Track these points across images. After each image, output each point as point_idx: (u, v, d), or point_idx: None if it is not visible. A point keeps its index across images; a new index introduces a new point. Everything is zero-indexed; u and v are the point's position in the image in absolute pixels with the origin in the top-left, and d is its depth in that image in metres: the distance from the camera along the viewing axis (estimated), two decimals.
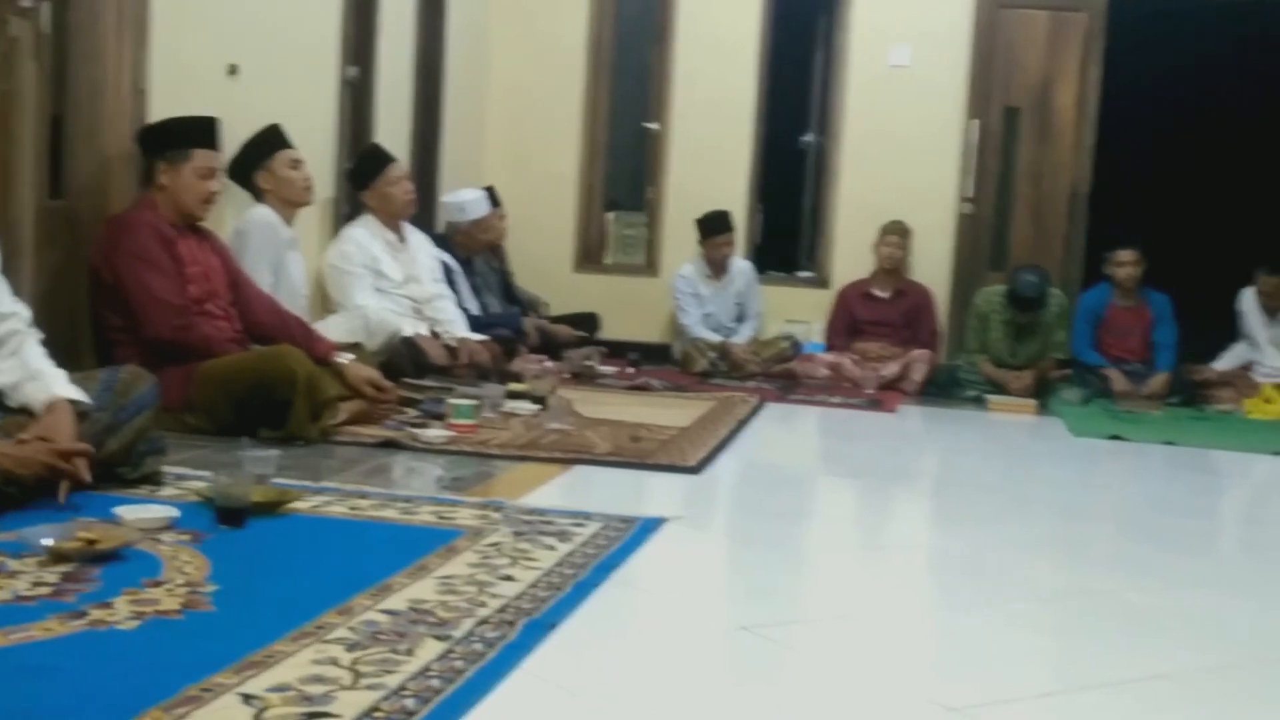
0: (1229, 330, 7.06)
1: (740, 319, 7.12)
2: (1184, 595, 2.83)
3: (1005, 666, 2.23)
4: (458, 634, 2.06)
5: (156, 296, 3.83)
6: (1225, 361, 6.98)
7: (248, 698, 1.72)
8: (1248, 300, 6.95)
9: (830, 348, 7.03)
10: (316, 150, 5.10)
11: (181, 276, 3.92)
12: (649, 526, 2.97)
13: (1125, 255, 6.82)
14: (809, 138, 8.13)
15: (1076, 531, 3.56)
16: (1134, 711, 2.02)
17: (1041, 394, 6.49)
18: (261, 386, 3.79)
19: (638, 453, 4.04)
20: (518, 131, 7.63)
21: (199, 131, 4.02)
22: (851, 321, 7.09)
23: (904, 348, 6.83)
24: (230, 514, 2.69)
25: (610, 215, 7.83)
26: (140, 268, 3.82)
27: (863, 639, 2.36)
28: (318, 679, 1.81)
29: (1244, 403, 6.49)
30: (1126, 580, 2.94)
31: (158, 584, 2.24)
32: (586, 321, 6.95)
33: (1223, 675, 2.23)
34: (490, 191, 6.86)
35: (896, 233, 7.07)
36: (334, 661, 1.89)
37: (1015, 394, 6.43)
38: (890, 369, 6.69)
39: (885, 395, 6.34)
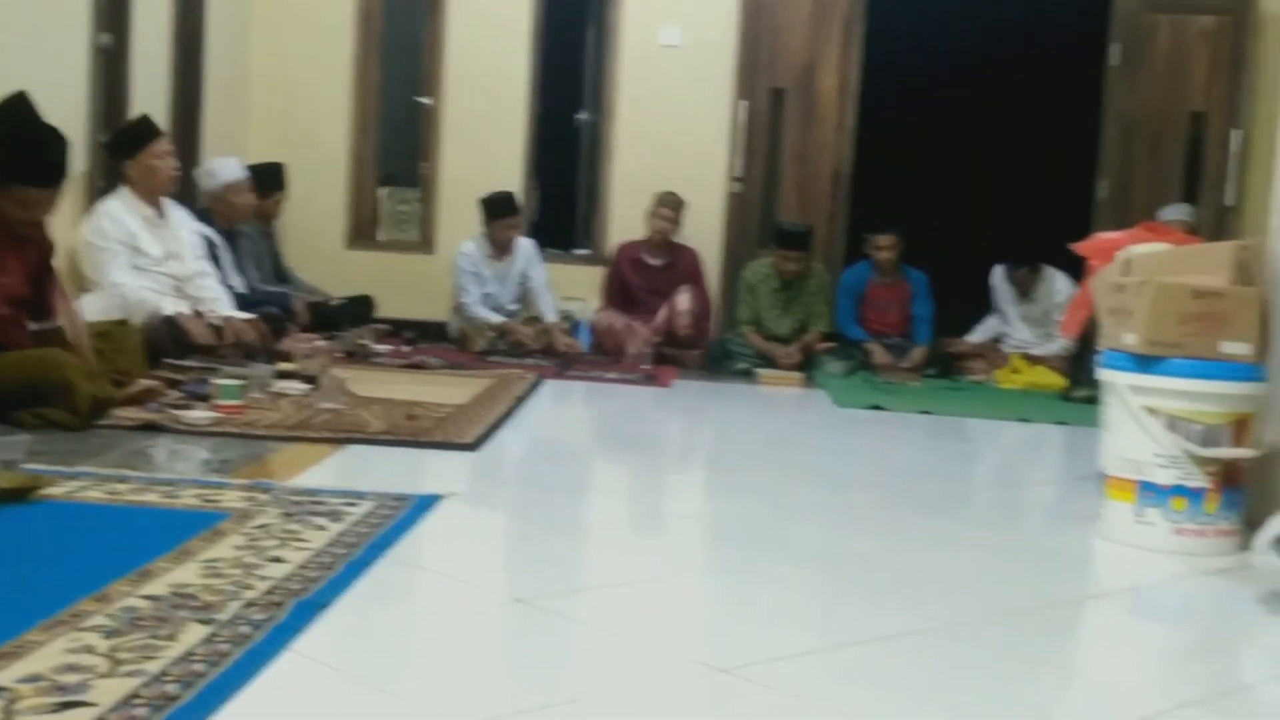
0: (982, 304, 7.43)
1: (522, 299, 7.09)
2: (938, 555, 2.98)
3: (772, 627, 2.30)
4: (223, 617, 2.00)
5: None
6: (978, 334, 7.36)
7: None
8: (999, 277, 7.33)
9: (604, 309, 7.09)
10: (67, 121, 4.80)
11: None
12: (424, 504, 2.94)
13: (883, 240, 7.13)
14: (583, 115, 8.17)
15: (840, 497, 3.70)
16: (891, 664, 2.12)
17: (807, 367, 6.73)
18: (32, 389, 3.64)
19: (413, 431, 4.00)
20: (284, 104, 7.42)
21: (31, 172, 3.76)
22: (624, 284, 7.17)
23: None
24: None
25: (383, 191, 7.69)
26: None
27: (637, 606, 2.40)
28: (72, 668, 1.74)
29: (995, 373, 6.86)
30: (886, 542, 3.08)
31: None
32: (362, 304, 6.79)
33: (972, 628, 2.36)
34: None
35: (669, 205, 7.12)
36: (90, 649, 1.81)
37: (783, 367, 6.64)
38: (660, 316, 6.83)
39: (659, 370, 6.44)
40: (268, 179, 6.47)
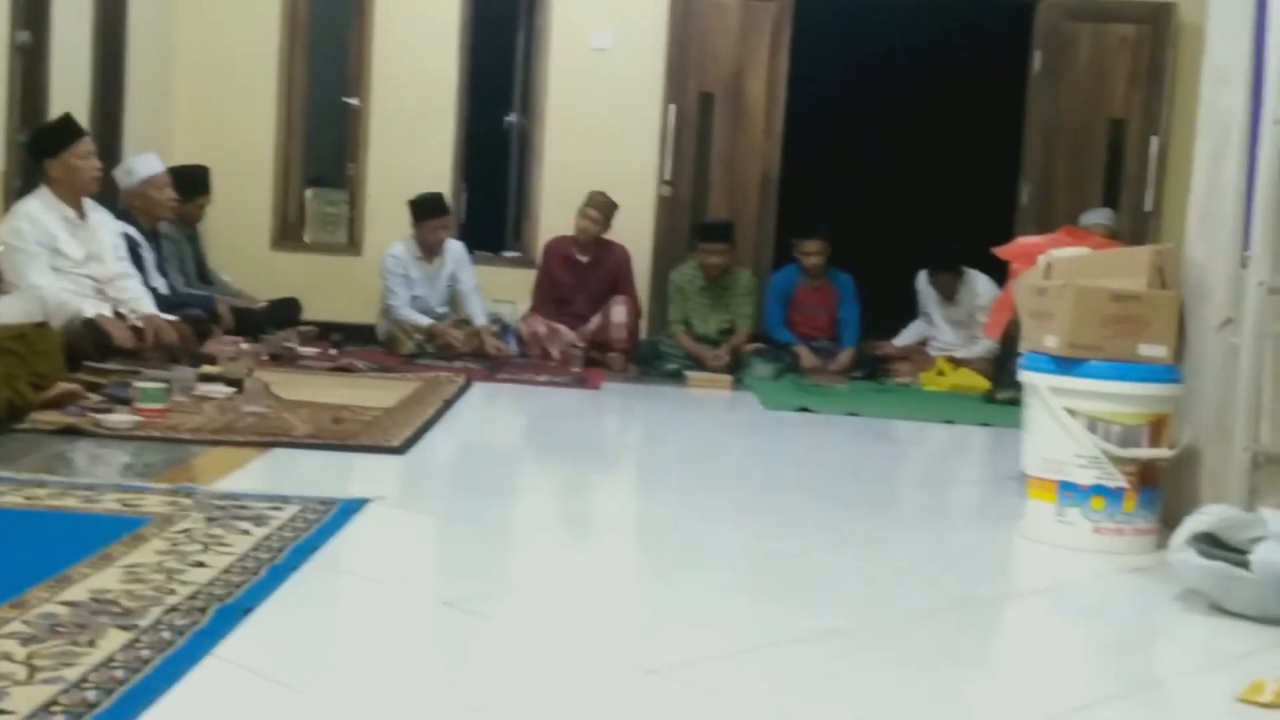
0: (909, 308, 7.51)
1: (451, 302, 7.04)
2: (863, 555, 3.00)
3: (702, 627, 2.31)
4: (144, 623, 1.97)
5: None
6: (904, 337, 7.43)
7: None
8: (923, 280, 7.41)
9: (531, 313, 7.07)
10: None
11: None
12: (351, 508, 2.92)
13: (811, 246, 7.18)
14: (513, 118, 8.15)
15: (769, 498, 3.73)
16: (818, 663, 2.14)
17: (736, 370, 6.76)
18: None
19: (339, 434, 3.96)
20: (209, 104, 7.32)
21: None
22: (553, 280, 7.16)
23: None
24: None
25: (310, 192, 7.61)
26: None
27: (566, 608, 2.40)
28: None
29: (920, 376, 6.93)
30: (812, 542, 3.10)
31: None
32: (288, 307, 6.70)
33: (897, 626, 2.39)
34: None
35: (597, 207, 7.06)
36: (7, 657, 1.78)
37: (712, 370, 6.68)
38: (593, 322, 6.84)
39: (589, 373, 6.44)
40: (191, 182, 6.35)
